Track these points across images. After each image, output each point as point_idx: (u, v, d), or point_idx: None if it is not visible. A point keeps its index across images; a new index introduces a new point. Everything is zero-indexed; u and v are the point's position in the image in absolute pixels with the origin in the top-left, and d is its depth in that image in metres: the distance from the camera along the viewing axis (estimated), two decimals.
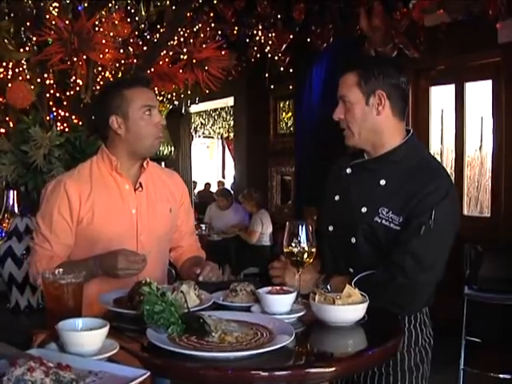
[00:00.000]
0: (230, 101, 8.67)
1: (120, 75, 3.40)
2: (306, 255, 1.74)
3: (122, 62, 3.26)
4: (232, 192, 7.59)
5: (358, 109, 1.86)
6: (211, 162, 15.15)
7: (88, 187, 2.06)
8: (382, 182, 1.87)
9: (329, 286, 1.80)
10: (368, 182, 1.90)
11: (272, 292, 1.64)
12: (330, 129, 6.43)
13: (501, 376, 3.72)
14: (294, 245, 1.77)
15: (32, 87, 3.20)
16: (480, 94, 5.15)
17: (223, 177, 13.83)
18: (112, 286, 1.88)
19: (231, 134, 11.20)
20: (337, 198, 1.98)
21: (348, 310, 1.52)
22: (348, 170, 1.98)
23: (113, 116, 2.05)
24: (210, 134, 12.51)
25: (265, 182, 7.58)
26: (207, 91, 3.88)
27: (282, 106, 7.43)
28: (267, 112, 7.52)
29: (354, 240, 1.87)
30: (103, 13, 3.03)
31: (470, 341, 3.79)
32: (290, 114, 7.35)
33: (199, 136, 12.81)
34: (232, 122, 10.47)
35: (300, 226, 1.76)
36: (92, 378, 1.07)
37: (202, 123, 12.31)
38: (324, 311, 1.53)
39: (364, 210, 1.86)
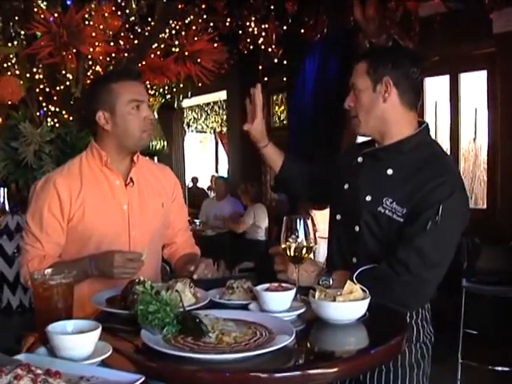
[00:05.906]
0: (222, 95, 8.58)
1: (111, 69, 3.33)
2: (304, 251, 1.69)
3: (113, 55, 3.19)
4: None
5: (366, 96, 1.85)
6: (204, 156, 15.05)
7: (78, 183, 2.00)
8: (389, 172, 1.83)
9: (331, 279, 1.76)
10: (375, 170, 1.87)
11: (270, 289, 1.58)
12: (325, 121, 6.34)
13: (499, 369, 3.70)
14: (291, 240, 1.72)
15: (21, 82, 3.13)
16: (474, 85, 5.10)
17: (217, 171, 13.74)
18: (104, 286, 1.83)
19: (224, 128, 11.12)
20: (346, 186, 1.94)
21: (349, 306, 1.47)
22: (359, 159, 1.94)
23: (100, 111, 1.99)
24: (202, 128, 12.43)
25: (259, 176, 7.51)
26: (200, 84, 3.82)
27: (275, 99, 7.36)
28: None
29: (357, 228, 1.84)
30: (93, 6, 2.95)
31: (468, 334, 3.76)
32: (283, 107, 7.28)
33: (192, 131, 12.73)
34: (225, 116, 10.39)
35: (297, 221, 1.70)
36: None
37: (194, 118, 12.25)
38: (324, 308, 1.47)
39: (368, 198, 1.83)
